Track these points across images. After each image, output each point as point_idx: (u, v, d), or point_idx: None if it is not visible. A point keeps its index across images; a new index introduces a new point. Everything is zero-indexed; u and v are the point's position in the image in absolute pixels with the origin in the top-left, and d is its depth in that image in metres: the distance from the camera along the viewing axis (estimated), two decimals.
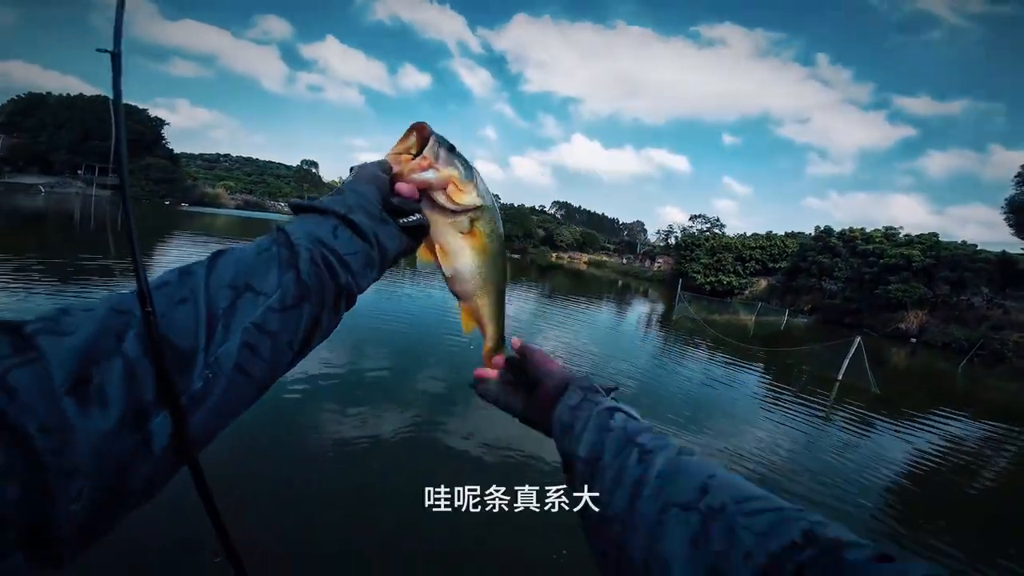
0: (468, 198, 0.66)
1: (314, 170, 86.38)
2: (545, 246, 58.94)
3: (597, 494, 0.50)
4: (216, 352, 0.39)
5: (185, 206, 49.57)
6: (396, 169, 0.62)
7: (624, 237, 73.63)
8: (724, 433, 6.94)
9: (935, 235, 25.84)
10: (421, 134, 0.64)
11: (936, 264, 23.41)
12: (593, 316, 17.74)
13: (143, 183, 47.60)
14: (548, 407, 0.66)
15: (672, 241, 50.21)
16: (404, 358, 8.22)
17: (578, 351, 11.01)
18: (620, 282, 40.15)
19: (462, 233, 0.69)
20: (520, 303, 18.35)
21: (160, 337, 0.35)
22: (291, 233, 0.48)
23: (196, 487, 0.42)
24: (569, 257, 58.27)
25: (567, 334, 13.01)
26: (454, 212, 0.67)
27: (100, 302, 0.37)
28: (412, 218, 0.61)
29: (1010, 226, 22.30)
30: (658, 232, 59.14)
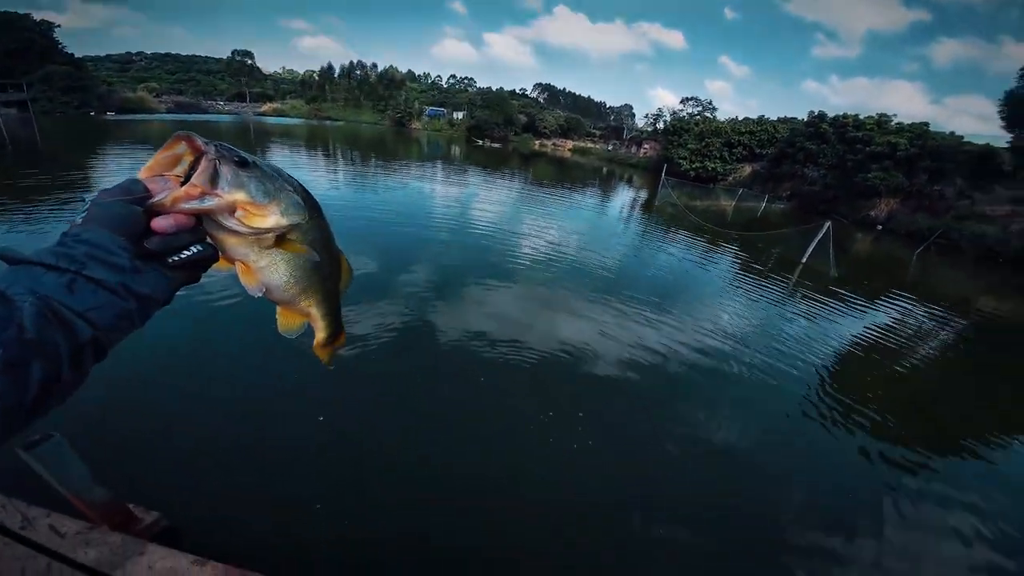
0: (268, 221, 0.54)
1: (249, 61, 74.29)
2: (528, 133, 55.30)
3: None
4: None
5: (112, 115, 43.71)
6: (157, 198, 0.49)
7: (611, 122, 69.32)
8: (694, 311, 7.45)
9: (925, 124, 25.22)
10: (192, 149, 0.51)
11: (920, 154, 23.31)
12: (576, 204, 17.59)
13: (50, 94, 41.32)
14: None
15: (660, 126, 47.75)
16: (389, 254, 8.16)
17: (560, 238, 11.16)
18: (605, 169, 39.04)
19: (268, 248, 0.57)
20: (503, 193, 17.91)
21: None
22: (4, 288, 0.41)
23: None
24: (553, 144, 55.31)
25: (549, 222, 13.01)
26: (252, 234, 0.55)
27: None
28: (185, 254, 0.50)
29: (1002, 119, 21.77)
30: (646, 116, 55.79)
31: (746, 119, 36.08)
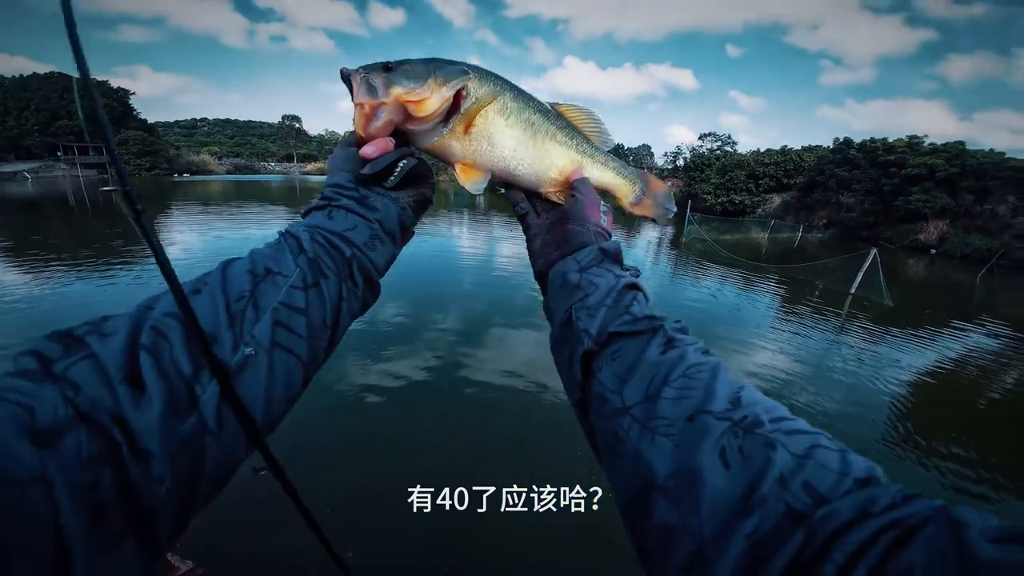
0: (432, 102, 0.55)
1: (297, 125, 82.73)
2: None
3: (601, 375, 0.48)
4: (251, 331, 0.41)
5: (187, 176, 48.92)
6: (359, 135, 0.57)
7: (630, 162, 71.02)
8: (737, 348, 6.98)
9: (961, 143, 24.28)
10: (343, 78, 0.55)
11: (961, 173, 22.26)
12: None
13: (125, 158, 46.24)
14: (554, 252, 0.61)
15: (680, 163, 48.05)
16: (419, 306, 7.94)
17: None
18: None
19: (468, 134, 0.58)
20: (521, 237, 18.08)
21: (182, 316, 0.38)
22: (291, 229, 0.52)
23: (268, 464, 0.43)
24: None
25: None
26: (438, 125, 0.57)
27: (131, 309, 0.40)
28: (394, 175, 0.56)
29: None
30: (665, 154, 56.50)
31: (768, 150, 35.83)
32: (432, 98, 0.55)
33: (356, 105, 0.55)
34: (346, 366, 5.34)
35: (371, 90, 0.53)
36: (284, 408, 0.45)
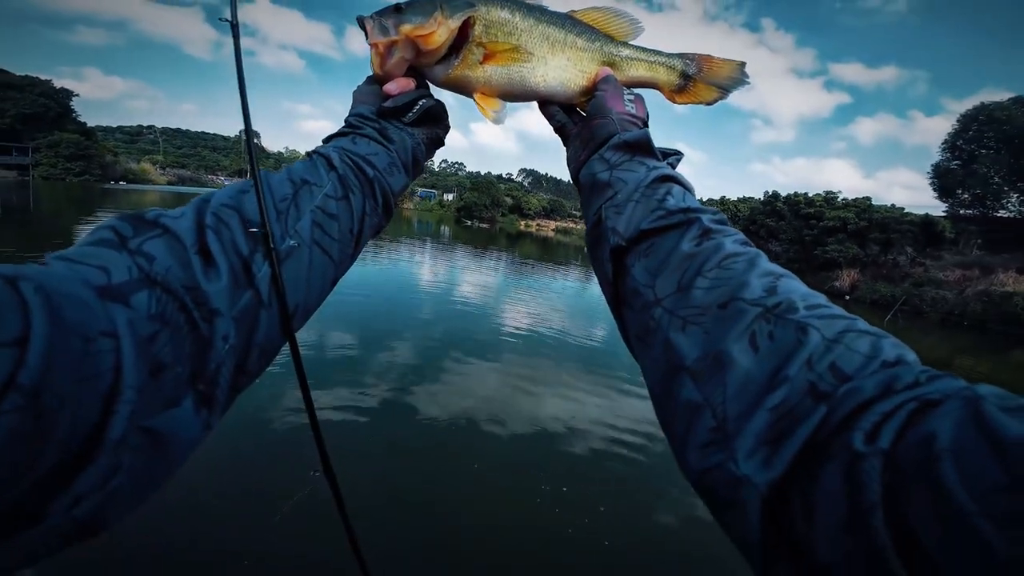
0: (439, 35, 0.57)
1: (256, 140, 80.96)
2: (513, 215, 58.89)
3: (634, 270, 0.48)
4: (295, 226, 0.47)
5: (123, 184, 45.71)
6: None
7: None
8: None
9: (868, 199, 27.89)
10: (359, 23, 0.59)
11: (868, 226, 25.49)
12: (561, 281, 18.48)
13: (53, 160, 43.42)
14: (582, 152, 0.62)
15: None
16: (369, 333, 7.74)
17: (546, 313, 11.66)
18: (586, 248, 41.03)
19: (482, 63, 0.61)
20: (491, 269, 18.79)
21: (237, 209, 0.44)
22: (320, 150, 0.58)
23: (293, 358, 0.51)
24: (537, 225, 58.75)
25: (536, 298, 13.67)
26: (452, 56, 0.60)
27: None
28: (413, 111, 0.62)
29: (934, 190, 24.35)
30: None
31: (709, 199, 39.42)
32: (439, 31, 0.57)
33: (371, 46, 0.58)
34: (341, 377, 5.45)
35: (383, 30, 0.57)
36: (317, 300, 0.51)
